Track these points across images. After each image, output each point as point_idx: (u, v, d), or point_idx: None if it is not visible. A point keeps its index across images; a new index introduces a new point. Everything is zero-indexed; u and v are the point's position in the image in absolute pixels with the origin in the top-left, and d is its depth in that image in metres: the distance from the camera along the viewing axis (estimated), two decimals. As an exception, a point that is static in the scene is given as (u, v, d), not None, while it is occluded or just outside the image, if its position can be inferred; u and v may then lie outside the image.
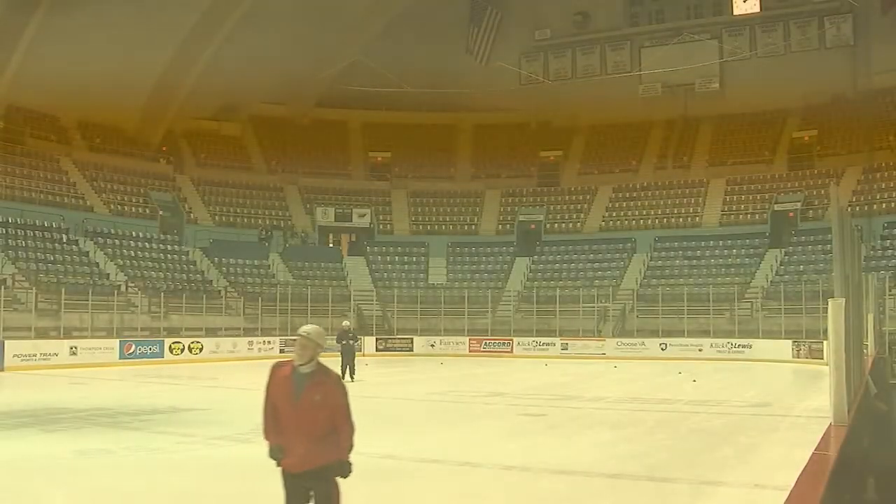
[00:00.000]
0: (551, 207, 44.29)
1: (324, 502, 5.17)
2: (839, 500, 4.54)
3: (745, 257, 37.52)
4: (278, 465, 5.18)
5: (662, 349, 32.40)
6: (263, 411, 5.23)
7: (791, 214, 38.84)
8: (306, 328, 5.20)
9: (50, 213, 33.69)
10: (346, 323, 23.22)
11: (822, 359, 25.87)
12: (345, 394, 5.21)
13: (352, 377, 20.70)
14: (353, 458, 5.16)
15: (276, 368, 5.24)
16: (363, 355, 33.89)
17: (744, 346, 31.41)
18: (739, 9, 43.77)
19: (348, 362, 20.90)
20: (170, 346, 28.98)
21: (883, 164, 38.82)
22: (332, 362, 21.53)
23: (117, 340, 27.99)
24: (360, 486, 7.71)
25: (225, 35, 38.38)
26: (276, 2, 38.45)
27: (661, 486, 8.52)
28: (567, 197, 44.97)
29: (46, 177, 35.91)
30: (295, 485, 5.18)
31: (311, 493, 5.15)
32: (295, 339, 5.17)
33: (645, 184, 43.88)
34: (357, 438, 5.07)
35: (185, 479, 8.92)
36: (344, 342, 21.43)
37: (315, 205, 43.49)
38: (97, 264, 32.48)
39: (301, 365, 5.08)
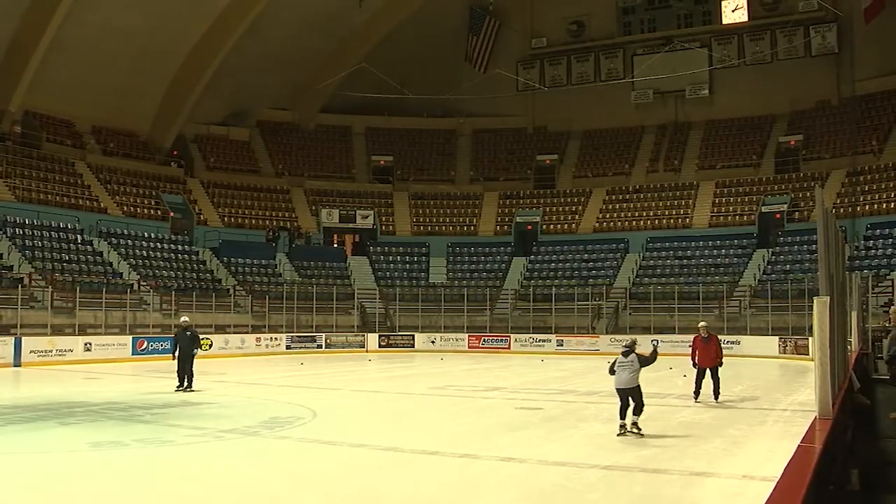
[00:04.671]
0: (547, 209, 44.79)
1: (716, 378, 15.54)
2: (824, 491, 4.69)
3: (734, 257, 38.13)
4: (694, 366, 15.82)
5: (654, 345, 32.88)
6: (691, 351, 15.92)
7: (778, 216, 39.38)
8: (703, 324, 16.09)
9: (65, 215, 34.17)
10: (184, 319, 18.52)
11: (808, 355, 26.86)
12: (720, 342, 16.02)
13: (188, 385, 17.20)
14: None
15: (696, 337, 15.75)
16: (366, 351, 34.78)
17: (732, 343, 31.69)
18: (728, 18, 44.80)
19: (186, 368, 17.27)
20: (181, 343, 29.66)
21: (866, 168, 39.45)
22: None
23: (130, 337, 28.37)
24: (362, 478, 8.67)
25: (233, 44, 39.14)
26: (282, 11, 39.20)
27: (653, 477, 8.65)
28: (562, 199, 45.47)
29: (62, 179, 36.33)
30: (702, 373, 15.55)
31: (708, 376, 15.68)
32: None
33: (637, 186, 44.52)
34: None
35: (194, 470, 9.18)
36: (181, 344, 17.42)
37: (320, 206, 43.96)
38: (111, 264, 32.99)
39: (704, 335, 15.65)
